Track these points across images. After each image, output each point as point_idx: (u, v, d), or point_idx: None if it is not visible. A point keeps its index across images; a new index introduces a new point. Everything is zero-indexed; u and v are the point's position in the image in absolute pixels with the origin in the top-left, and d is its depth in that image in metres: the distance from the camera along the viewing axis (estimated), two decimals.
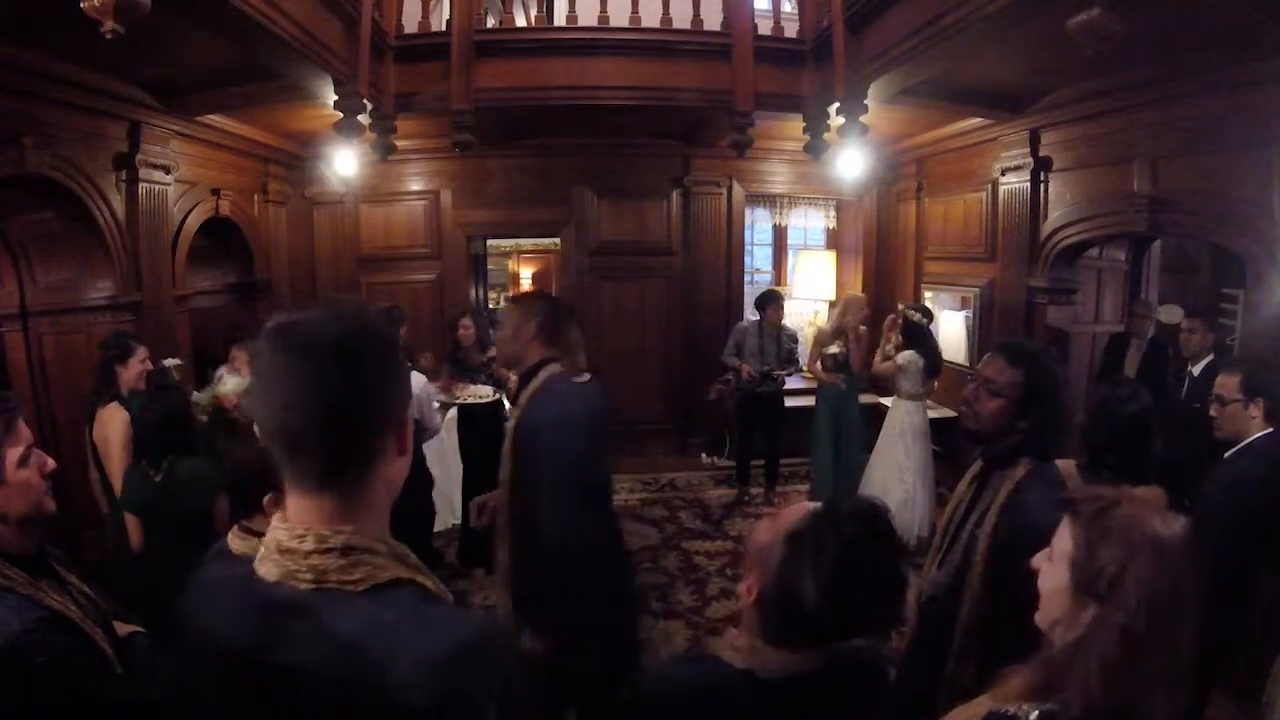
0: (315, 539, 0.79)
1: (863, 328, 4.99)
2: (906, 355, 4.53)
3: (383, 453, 0.84)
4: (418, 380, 3.26)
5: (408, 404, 0.90)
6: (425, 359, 4.46)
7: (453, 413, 4.46)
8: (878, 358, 4.81)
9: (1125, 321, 4.92)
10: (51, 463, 1.40)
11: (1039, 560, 1.13)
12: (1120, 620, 0.96)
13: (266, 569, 0.81)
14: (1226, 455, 2.37)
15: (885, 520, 1.13)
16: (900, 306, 4.86)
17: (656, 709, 1.19)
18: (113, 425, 3.02)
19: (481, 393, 4.25)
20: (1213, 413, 2.42)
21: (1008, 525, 1.67)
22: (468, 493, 4.41)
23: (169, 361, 3.67)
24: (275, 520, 0.83)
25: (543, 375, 2.24)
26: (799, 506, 1.17)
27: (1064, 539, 1.08)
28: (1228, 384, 2.38)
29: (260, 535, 1.46)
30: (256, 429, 0.84)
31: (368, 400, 0.82)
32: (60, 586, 1.31)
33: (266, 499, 1.68)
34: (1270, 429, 2.31)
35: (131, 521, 2.68)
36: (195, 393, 3.37)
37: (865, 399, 5.40)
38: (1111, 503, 1.05)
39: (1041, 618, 1.09)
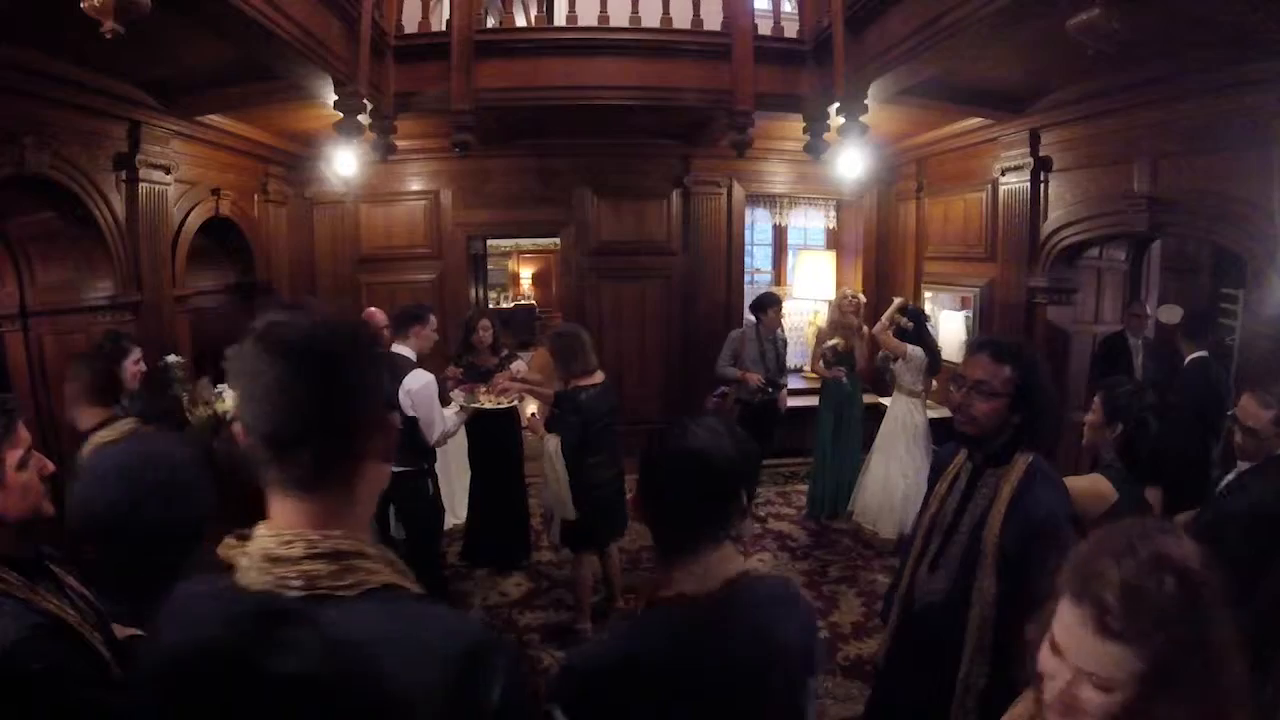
0: (305, 544, 0.77)
1: (857, 319, 4.96)
2: (914, 348, 4.52)
3: (368, 456, 0.84)
4: (423, 378, 3.21)
5: (388, 409, 0.91)
6: (450, 372, 4.31)
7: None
8: (878, 327, 4.69)
9: (1125, 321, 4.92)
10: (50, 465, 1.40)
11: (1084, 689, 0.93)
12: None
13: (251, 579, 0.78)
14: (1248, 468, 2.27)
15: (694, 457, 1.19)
16: (896, 300, 4.81)
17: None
18: None
19: (500, 400, 4.21)
20: (1238, 440, 2.28)
21: (1018, 525, 1.66)
22: (474, 496, 4.41)
23: (172, 359, 3.66)
24: (260, 528, 0.81)
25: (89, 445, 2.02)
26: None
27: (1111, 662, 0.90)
28: (1261, 417, 2.20)
29: None
30: (239, 431, 0.82)
31: (353, 403, 0.82)
32: (58, 590, 1.31)
33: None
34: None
35: None
36: (189, 403, 3.34)
37: (866, 399, 5.37)
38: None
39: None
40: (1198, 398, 3.87)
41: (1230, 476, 2.38)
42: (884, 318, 4.64)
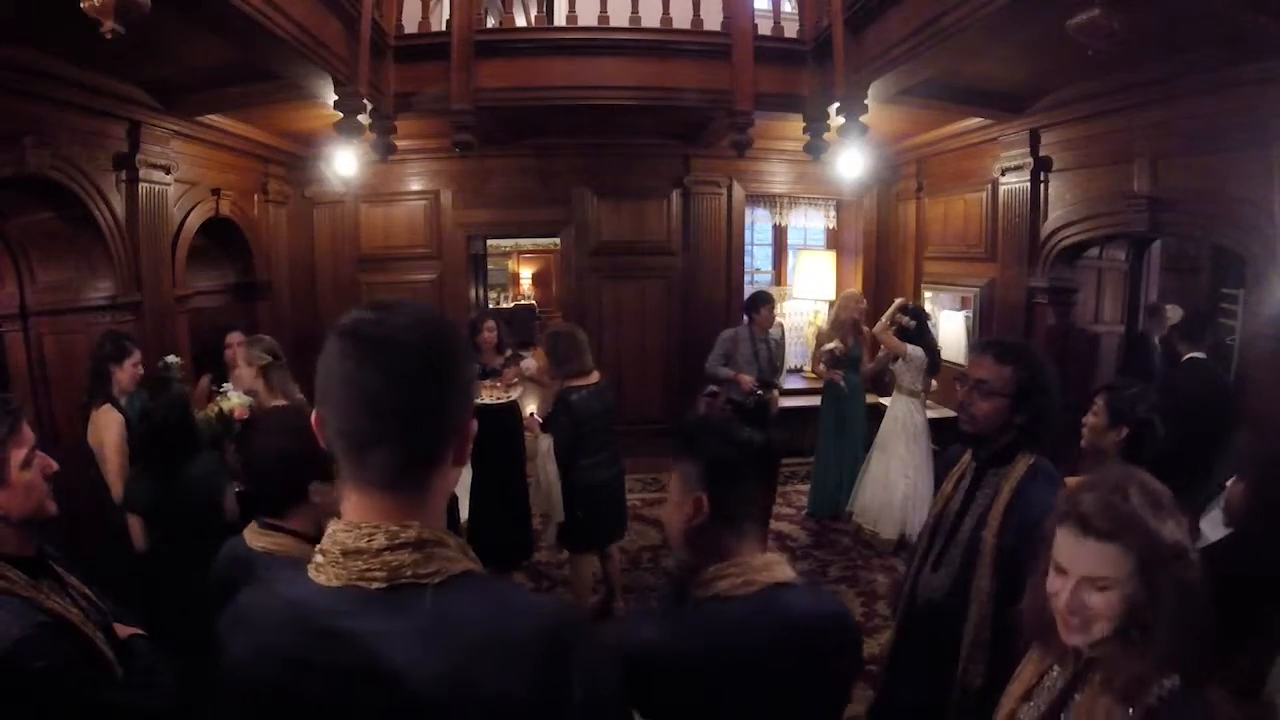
0: (386, 535, 0.77)
1: (856, 317, 4.96)
2: (914, 348, 4.52)
3: (444, 461, 0.84)
4: None
5: (472, 414, 0.88)
6: None
7: None
8: (879, 326, 4.67)
9: (1141, 321, 4.94)
10: (54, 464, 1.40)
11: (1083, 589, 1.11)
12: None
13: (327, 576, 0.78)
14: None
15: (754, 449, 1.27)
16: (897, 300, 4.82)
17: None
18: (108, 428, 3.01)
19: (502, 394, 4.21)
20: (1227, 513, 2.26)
21: (1015, 524, 1.67)
22: (475, 495, 4.40)
23: (171, 359, 3.67)
24: (333, 525, 0.81)
25: None
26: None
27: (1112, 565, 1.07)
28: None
29: (288, 531, 1.44)
30: (315, 424, 0.82)
31: (443, 406, 0.81)
32: (60, 588, 1.31)
33: (313, 486, 1.48)
34: None
35: (135, 522, 2.68)
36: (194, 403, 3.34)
37: (867, 399, 5.38)
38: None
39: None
40: (1191, 399, 3.86)
41: (1212, 526, 2.34)
42: (884, 317, 4.65)
